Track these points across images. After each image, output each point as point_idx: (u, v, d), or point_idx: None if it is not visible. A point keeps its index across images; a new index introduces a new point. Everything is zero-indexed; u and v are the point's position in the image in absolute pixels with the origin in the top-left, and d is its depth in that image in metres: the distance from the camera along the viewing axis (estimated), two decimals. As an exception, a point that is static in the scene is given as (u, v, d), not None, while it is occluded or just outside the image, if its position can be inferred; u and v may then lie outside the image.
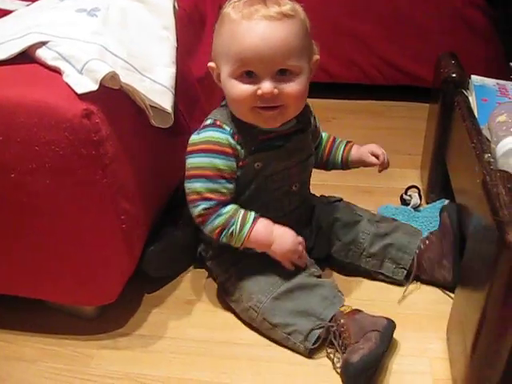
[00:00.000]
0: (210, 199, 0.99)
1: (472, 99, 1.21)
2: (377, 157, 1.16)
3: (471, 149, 1.03)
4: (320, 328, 0.98)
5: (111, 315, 1.10)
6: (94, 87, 0.86)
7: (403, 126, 1.73)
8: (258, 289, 1.02)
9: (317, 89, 1.87)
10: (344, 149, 1.21)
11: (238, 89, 0.95)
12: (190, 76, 1.18)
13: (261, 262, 1.03)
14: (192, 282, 1.17)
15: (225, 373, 0.99)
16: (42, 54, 0.91)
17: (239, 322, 1.08)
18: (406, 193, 1.36)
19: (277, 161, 1.04)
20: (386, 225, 1.17)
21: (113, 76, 0.88)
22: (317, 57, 1.03)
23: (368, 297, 1.12)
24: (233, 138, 1.00)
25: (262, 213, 1.03)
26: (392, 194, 1.40)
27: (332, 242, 1.16)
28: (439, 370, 0.97)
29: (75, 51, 0.90)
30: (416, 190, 1.36)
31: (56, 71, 0.89)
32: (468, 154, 1.04)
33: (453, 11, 1.69)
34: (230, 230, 0.99)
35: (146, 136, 1.03)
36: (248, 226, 1.00)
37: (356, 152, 1.19)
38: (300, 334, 0.99)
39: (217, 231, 1.00)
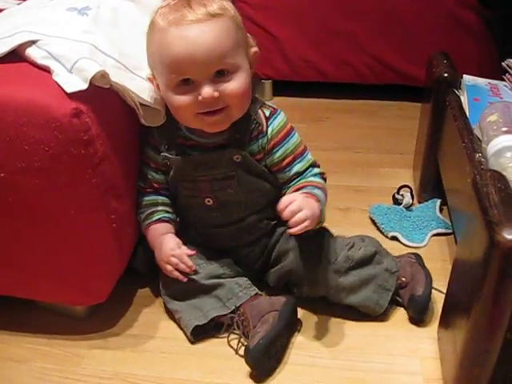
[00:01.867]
0: (142, 179, 1.07)
1: (464, 99, 1.21)
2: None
3: (462, 148, 1.03)
4: (201, 319, 1.02)
5: (102, 315, 1.10)
6: (84, 86, 0.85)
7: (396, 126, 1.73)
8: (163, 282, 1.08)
9: (309, 88, 1.89)
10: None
11: (178, 100, 0.93)
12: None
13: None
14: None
15: (214, 373, 0.99)
16: (31, 52, 0.90)
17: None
18: (398, 192, 1.36)
19: (182, 168, 1.02)
20: (354, 278, 1.04)
21: (103, 75, 0.88)
22: (254, 49, 0.99)
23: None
24: (158, 132, 1.03)
25: (188, 219, 1.09)
26: (384, 194, 1.40)
27: (289, 284, 1.10)
28: (430, 369, 0.97)
29: (65, 50, 0.89)
30: (408, 189, 1.36)
31: (46, 70, 0.88)
32: (459, 153, 1.04)
33: (445, 10, 1.69)
34: (139, 215, 1.07)
35: (135, 135, 1.03)
36: (147, 222, 1.06)
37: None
38: (182, 322, 1.04)
39: (137, 210, 1.07)
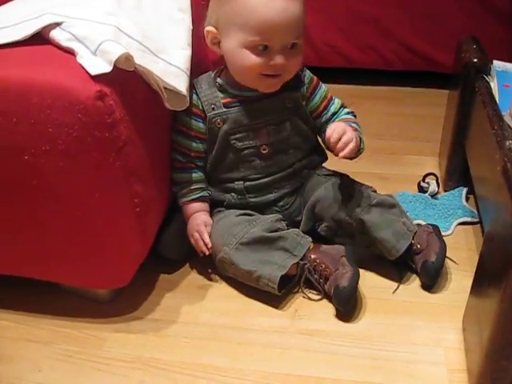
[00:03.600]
0: (178, 151, 1.11)
1: (493, 85, 1.18)
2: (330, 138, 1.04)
3: (492, 135, 1.00)
4: (282, 269, 1.04)
5: (125, 299, 1.10)
6: (108, 69, 0.84)
7: (421, 113, 1.70)
8: (223, 241, 1.08)
9: (335, 74, 1.86)
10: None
11: (251, 59, 0.99)
12: (205, 59, 1.16)
13: (228, 220, 1.11)
14: (205, 267, 1.17)
15: (237, 358, 0.98)
16: (55, 35, 0.89)
17: (252, 308, 1.07)
18: (423, 180, 1.34)
19: (237, 120, 1.08)
20: (375, 215, 1.09)
21: (127, 57, 0.87)
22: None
23: (379, 284, 1.11)
24: (198, 97, 1.08)
25: (233, 172, 1.12)
26: (409, 181, 1.38)
27: (317, 220, 1.15)
28: (454, 360, 0.96)
29: (89, 32, 0.88)
30: (434, 177, 1.34)
31: (70, 52, 0.88)
32: (488, 140, 1.02)
33: (474, -6, 1.65)
34: (174, 190, 1.13)
35: (159, 118, 1.03)
36: (183, 200, 1.12)
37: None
38: (264, 278, 1.04)
39: (173, 184, 1.13)
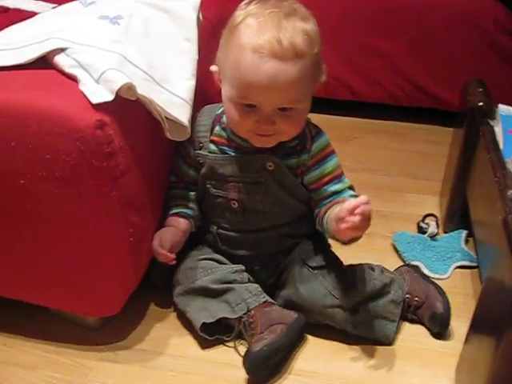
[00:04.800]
0: (175, 173, 1.10)
1: (498, 130, 1.18)
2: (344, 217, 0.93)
3: (494, 183, 1.00)
4: (209, 318, 1.01)
5: (114, 326, 1.08)
6: (110, 97, 0.84)
7: (424, 150, 1.70)
8: (176, 280, 1.08)
9: (339, 106, 1.86)
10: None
11: (237, 114, 0.95)
12: (212, 88, 1.15)
13: (189, 261, 1.08)
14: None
15: (223, 397, 0.97)
16: (60, 60, 0.89)
17: (239, 346, 1.05)
18: (423, 220, 1.33)
19: (213, 167, 1.04)
20: (360, 313, 1.03)
21: (129, 87, 0.86)
22: (323, 77, 0.99)
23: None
24: (195, 129, 1.04)
25: (210, 214, 1.09)
26: (408, 220, 1.37)
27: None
28: (445, 410, 0.94)
29: (93, 60, 0.88)
30: (434, 218, 1.33)
31: (73, 79, 0.88)
32: (490, 187, 1.01)
33: (482, 35, 1.65)
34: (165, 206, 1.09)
35: (159, 147, 1.02)
36: (166, 212, 1.08)
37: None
38: (193, 320, 1.04)
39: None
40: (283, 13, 0.90)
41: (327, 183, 1.03)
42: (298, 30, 0.90)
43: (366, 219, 0.92)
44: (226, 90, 0.96)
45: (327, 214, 1.01)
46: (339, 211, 0.94)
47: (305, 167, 1.03)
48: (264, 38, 0.88)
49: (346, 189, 1.04)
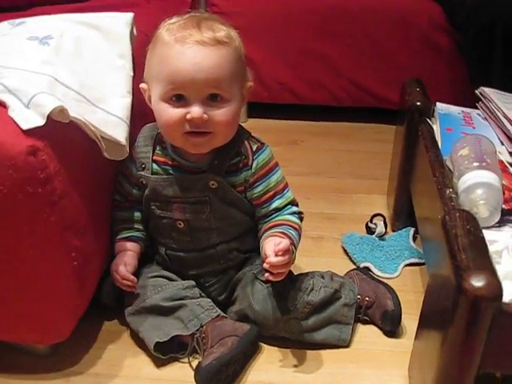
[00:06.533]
0: (119, 192, 1.09)
1: (436, 128, 1.20)
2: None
3: (433, 182, 1.01)
4: (162, 337, 1.00)
5: (64, 352, 1.06)
6: (41, 122, 0.82)
7: (371, 149, 1.72)
8: (129, 299, 1.07)
9: (284, 110, 1.87)
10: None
11: (168, 112, 0.94)
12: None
13: (140, 280, 1.07)
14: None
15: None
16: (-13, 86, 0.87)
17: (193, 362, 1.04)
18: (371, 221, 1.34)
19: (156, 189, 1.03)
20: (314, 321, 1.04)
21: (61, 110, 0.84)
22: (250, 84, 1.01)
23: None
24: (135, 150, 1.05)
25: (157, 235, 1.09)
26: (357, 221, 1.39)
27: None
28: (400, 409, 0.95)
29: (22, 84, 0.86)
30: (381, 218, 1.35)
31: (1, 105, 0.85)
32: (430, 186, 1.03)
33: (418, 33, 1.69)
34: (112, 228, 1.09)
35: (99, 168, 1.00)
36: (116, 237, 1.08)
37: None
38: (146, 339, 1.03)
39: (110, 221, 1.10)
40: (202, 16, 0.97)
41: (268, 199, 1.03)
42: (218, 27, 0.94)
43: (285, 264, 0.95)
44: (155, 95, 0.96)
45: (263, 236, 1.03)
46: (265, 248, 0.98)
47: (248, 184, 1.03)
48: (185, 31, 0.92)
49: (288, 204, 1.05)
